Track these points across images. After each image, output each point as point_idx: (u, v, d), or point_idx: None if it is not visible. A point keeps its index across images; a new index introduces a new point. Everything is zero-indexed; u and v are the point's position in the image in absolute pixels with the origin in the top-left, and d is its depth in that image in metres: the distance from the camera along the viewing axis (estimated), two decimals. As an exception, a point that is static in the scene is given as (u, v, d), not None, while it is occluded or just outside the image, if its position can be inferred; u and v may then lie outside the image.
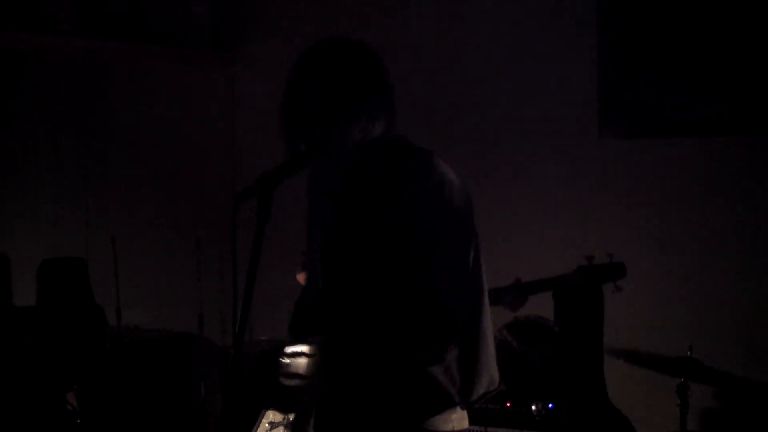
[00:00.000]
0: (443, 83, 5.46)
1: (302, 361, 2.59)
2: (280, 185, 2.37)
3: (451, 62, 5.44)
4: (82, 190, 6.33)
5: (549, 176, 5.14)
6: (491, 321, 2.65)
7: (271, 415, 3.22)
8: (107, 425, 5.19)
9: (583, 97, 5.02)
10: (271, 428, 3.19)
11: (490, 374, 2.65)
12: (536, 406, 4.13)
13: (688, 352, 4.06)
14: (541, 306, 4.63)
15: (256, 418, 3.33)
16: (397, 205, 2.50)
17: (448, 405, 2.57)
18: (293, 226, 3.05)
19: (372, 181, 2.57)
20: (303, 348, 2.61)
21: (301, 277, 3.78)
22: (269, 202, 2.32)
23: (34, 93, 6.40)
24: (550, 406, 4.14)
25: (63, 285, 5.51)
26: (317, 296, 2.72)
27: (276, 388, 2.69)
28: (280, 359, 2.63)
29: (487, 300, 2.64)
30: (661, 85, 4.83)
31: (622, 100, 4.95)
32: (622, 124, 4.97)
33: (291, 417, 2.79)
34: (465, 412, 2.65)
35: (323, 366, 2.56)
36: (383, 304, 2.49)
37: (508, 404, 4.19)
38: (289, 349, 2.63)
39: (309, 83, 2.52)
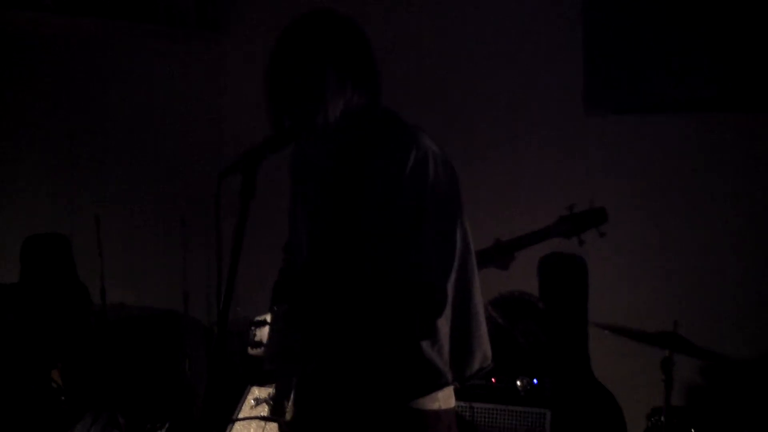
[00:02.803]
0: (432, 66, 5.45)
1: (266, 330, 2.58)
2: (264, 161, 2.35)
3: (440, 44, 5.43)
4: (67, 168, 6.30)
5: (535, 153, 5.15)
6: (481, 297, 2.64)
7: (256, 392, 3.23)
8: (92, 403, 5.18)
9: (569, 73, 5.01)
10: (256, 404, 3.19)
11: (483, 350, 2.64)
12: (521, 382, 4.15)
13: (673, 327, 4.07)
14: (526, 282, 4.64)
15: (241, 395, 3.34)
16: (381, 180, 2.48)
17: (439, 385, 2.55)
18: (279, 203, 3.04)
19: (358, 154, 2.54)
20: (266, 317, 2.60)
21: None
22: (253, 178, 2.29)
23: (17, 71, 6.36)
24: (534, 381, 4.15)
25: (47, 262, 5.49)
26: (301, 269, 2.69)
27: (251, 361, 2.69)
28: (249, 329, 2.62)
29: (477, 276, 2.62)
30: (647, 61, 4.83)
31: (607, 77, 4.94)
32: (608, 100, 4.97)
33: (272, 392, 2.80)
34: (452, 390, 2.63)
35: (283, 334, 2.54)
36: (369, 277, 2.48)
37: (493, 380, 4.20)
38: (256, 319, 2.62)
39: (292, 58, 2.50)
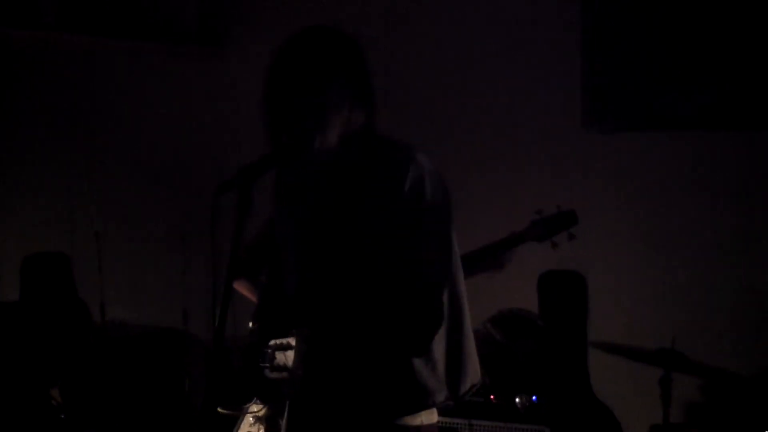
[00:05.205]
0: (433, 79, 5.44)
1: (288, 354, 2.59)
2: (261, 178, 2.35)
3: (441, 57, 5.44)
4: (66, 186, 6.31)
5: (533, 170, 5.14)
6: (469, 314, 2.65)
7: (255, 408, 3.22)
8: (91, 421, 5.18)
9: (567, 90, 5.01)
10: (255, 421, 3.18)
11: (474, 367, 2.64)
12: (520, 399, 4.14)
13: (671, 345, 4.07)
14: (525, 299, 4.64)
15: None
16: (380, 200, 2.49)
17: (427, 405, 2.56)
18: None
19: (355, 174, 2.55)
20: (289, 341, 2.61)
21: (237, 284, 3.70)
22: (249, 195, 2.30)
23: (18, 89, 6.38)
24: (534, 398, 4.15)
25: (47, 281, 5.50)
26: (295, 290, 2.68)
27: (261, 381, 2.69)
28: (267, 351, 2.62)
29: (465, 293, 2.63)
30: (646, 78, 4.83)
31: (606, 94, 4.95)
32: (607, 117, 4.97)
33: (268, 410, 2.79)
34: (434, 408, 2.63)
35: (307, 359, 2.55)
36: (368, 297, 2.49)
37: (492, 397, 4.19)
38: (275, 342, 2.63)
39: (290, 75, 2.51)
